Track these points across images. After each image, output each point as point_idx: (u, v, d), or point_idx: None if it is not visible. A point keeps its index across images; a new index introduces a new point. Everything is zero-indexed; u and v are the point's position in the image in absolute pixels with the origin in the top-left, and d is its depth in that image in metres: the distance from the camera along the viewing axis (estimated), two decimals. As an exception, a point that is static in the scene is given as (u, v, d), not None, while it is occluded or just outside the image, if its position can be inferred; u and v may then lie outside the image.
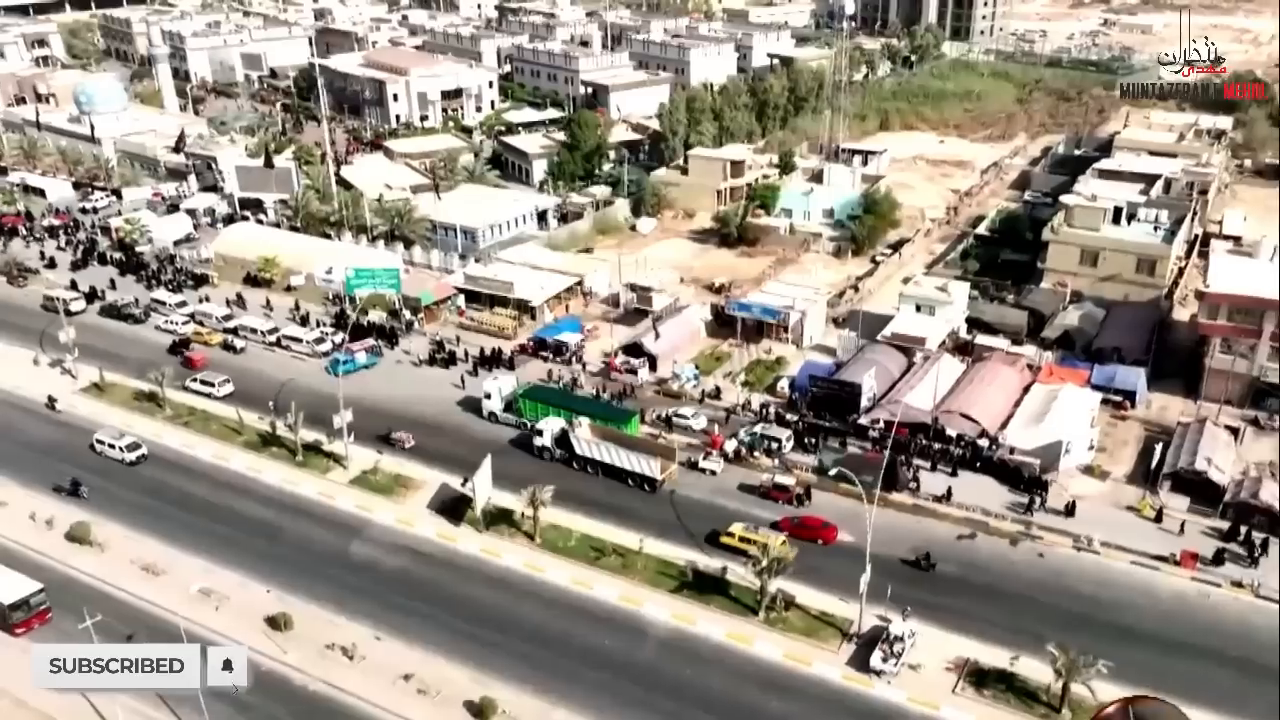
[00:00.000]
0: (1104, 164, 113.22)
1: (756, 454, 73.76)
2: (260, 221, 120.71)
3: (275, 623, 58.90)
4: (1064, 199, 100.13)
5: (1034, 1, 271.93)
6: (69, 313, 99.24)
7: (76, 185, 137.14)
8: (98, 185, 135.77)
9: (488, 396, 79.67)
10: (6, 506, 70.76)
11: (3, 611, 59.06)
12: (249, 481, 73.86)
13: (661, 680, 55.22)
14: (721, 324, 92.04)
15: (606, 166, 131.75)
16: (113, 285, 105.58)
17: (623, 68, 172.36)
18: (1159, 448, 69.40)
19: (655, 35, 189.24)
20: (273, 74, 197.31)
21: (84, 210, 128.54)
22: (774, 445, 73.82)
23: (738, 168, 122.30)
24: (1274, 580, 59.50)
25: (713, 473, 72.56)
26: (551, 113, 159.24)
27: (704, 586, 61.28)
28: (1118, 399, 78.27)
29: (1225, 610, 58.73)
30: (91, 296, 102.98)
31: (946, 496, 68.46)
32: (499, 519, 67.37)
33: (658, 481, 69.96)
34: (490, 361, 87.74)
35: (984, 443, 72.03)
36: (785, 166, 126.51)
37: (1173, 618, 57.96)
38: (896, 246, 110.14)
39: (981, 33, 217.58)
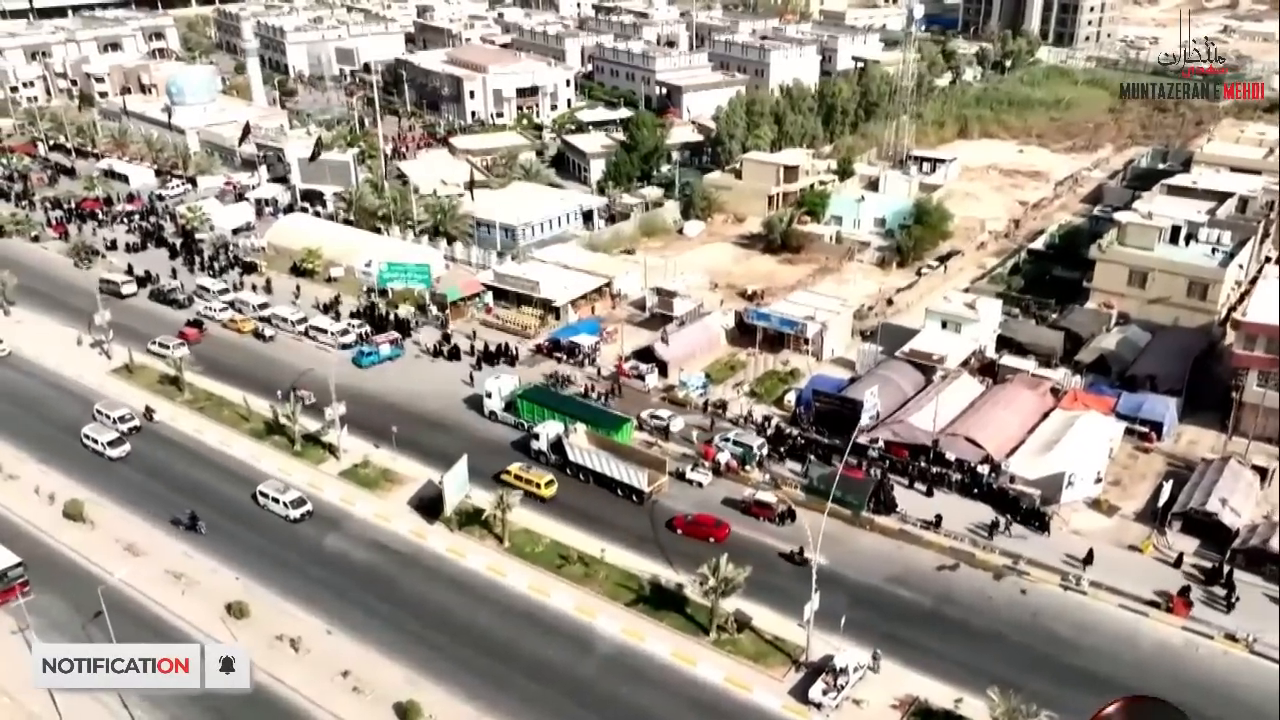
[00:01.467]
0: (1176, 179, 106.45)
1: (748, 467, 71.57)
2: (318, 213, 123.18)
3: (233, 610, 59.59)
4: (1118, 215, 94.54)
5: (1154, 7, 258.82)
6: (120, 295, 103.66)
7: (158, 172, 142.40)
8: (175, 173, 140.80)
9: (488, 395, 79.37)
10: (17, 480, 73.59)
11: (-22, 584, 61.33)
12: (246, 469, 75.00)
13: (596, 696, 53.88)
14: (744, 332, 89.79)
15: (665, 168, 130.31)
16: (174, 274, 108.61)
17: (700, 68, 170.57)
18: (1168, 484, 64.59)
19: (741, 36, 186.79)
20: (366, 69, 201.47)
21: (159, 197, 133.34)
22: (757, 455, 71.51)
23: (791, 173, 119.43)
24: (1273, 636, 54.66)
25: (699, 484, 70.72)
26: (624, 112, 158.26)
27: (662, 602, 59.64)
28: (1143, 430, 73.35)
29: (1212, 664, 54.34)
30: (144, 280, 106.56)
31: (936, 523, 65.12)
32: (473, 520, 66.82)
33: (645, 493, 68.45)
34: (494, 357, 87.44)
35: (984, 469, 68.24)
36: (844, 173, 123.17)
37: (1151, 668, 53.73)
38: (946, 258, 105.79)
39: (1086, 38, 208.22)
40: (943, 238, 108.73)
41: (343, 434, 75.48)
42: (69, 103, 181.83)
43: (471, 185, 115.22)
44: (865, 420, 73.13)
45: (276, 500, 68.18)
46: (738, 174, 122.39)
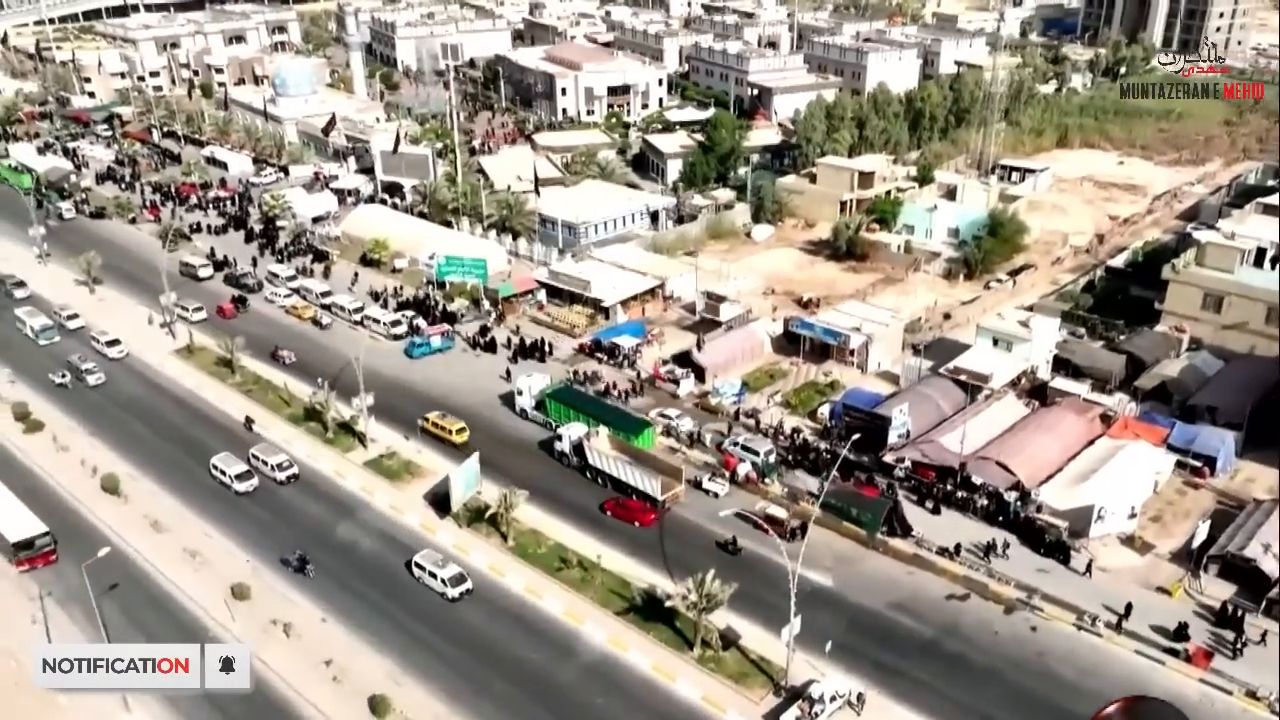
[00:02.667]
0: (1275, 198, 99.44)
1: (767, 480, 69.71)
2: (395, 205, 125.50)
3: (236, 592, 60.86)
4: (1198, 233, 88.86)
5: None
6: (197, 278, 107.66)
7: (255, 160, 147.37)
8: (270, 161, 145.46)
9: (519, 393, 79.41)
10: (67, 452, 76.79)
11: (9, 548, 64.15)
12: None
13: (569, 705, 53.21)
14: (791, 341, 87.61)
15: (742, 170, 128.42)
16: (254, 262, 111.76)
17: (795, 70, 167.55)
18: (1204, 524, 60.25)
19: (843, 38, 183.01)
20: (471, 64, 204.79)
21: (252, 184, 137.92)
22: (777, 468, 69.71)
23: (867, 179, 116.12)
24: (1295, 694, 50.43)
25: (715, 495, 69.22)
26: (713, 113, 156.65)
27: (652, 613, 58.43)
28: (1196, 464, 68.70)
29: (1226, 723, 50.39)
30: (221, 265, 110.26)
31: (955, 551, 62.18)
32: (481, 517, 66.72)
33: (659, 501, 67.31)
34: (529, 352, 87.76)
35: (1012, 496, 64.88)
36: (924, 180, 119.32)
37: (1156, 722, 50.13)
38: (1017, 273, 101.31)
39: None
40: (1016, 251, 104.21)
41: (369, 423, 76.47)
42: (188, 92, 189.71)
43: (537, 182, 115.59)
44: (893, 438, 70.50)
45: (434, 575, 60.53)
46: (812, 178, 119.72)
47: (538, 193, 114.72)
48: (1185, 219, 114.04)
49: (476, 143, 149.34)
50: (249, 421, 78.88)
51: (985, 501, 65.38)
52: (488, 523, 66.19)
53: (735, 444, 72.00)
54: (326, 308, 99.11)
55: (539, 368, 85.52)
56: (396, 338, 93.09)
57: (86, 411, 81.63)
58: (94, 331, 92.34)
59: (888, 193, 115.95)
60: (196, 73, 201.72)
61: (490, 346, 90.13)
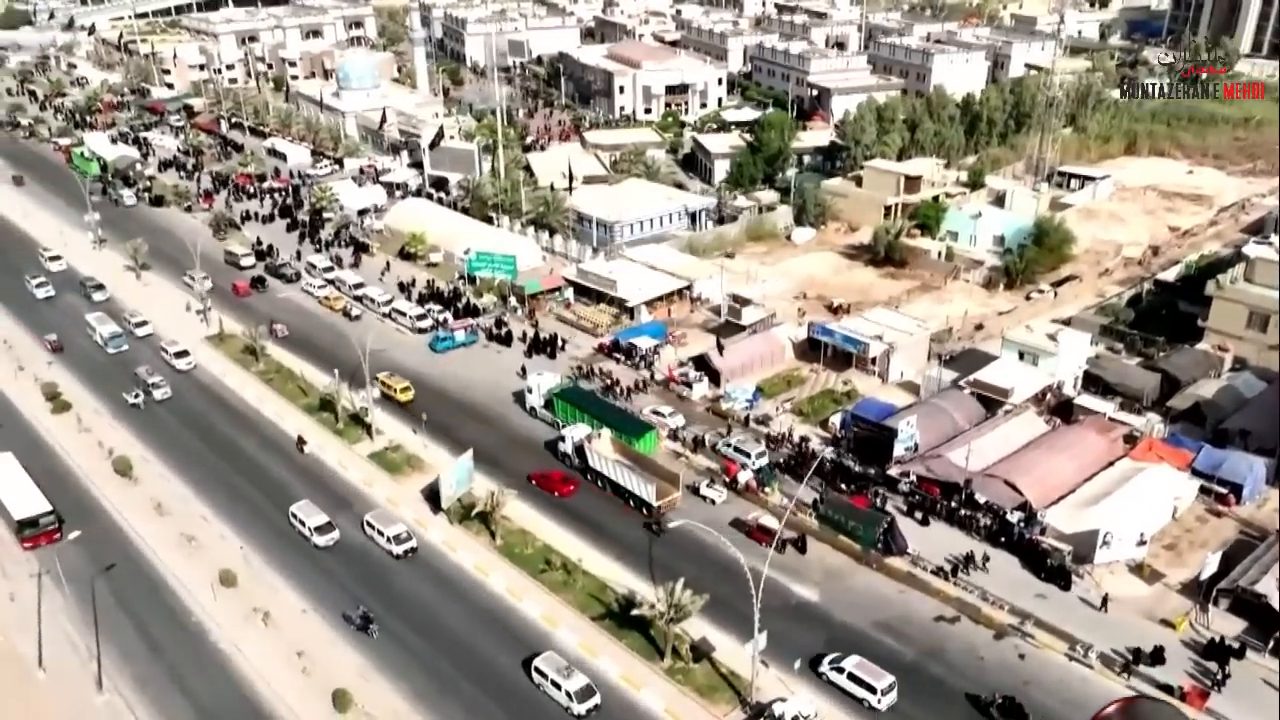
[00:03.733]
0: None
1: (767, 489, 67.95)
2: (440, 200, 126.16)
3: (223, 578, 61.33)
4: (1247, 248, 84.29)
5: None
6: (239, 267, 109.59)
7: (314, 153, 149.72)
8: (327, 154, 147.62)
9: (529, 391, 78.89)
10: (90, 433, 78.52)
11: (14, 526, 65.69)
12: (289, 442, 77.29)
13: (531, 710, 52.31)
14: (815, 347, 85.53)
15: (790, 171, 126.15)
16: (298, 254, 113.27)
17: (858, 71, 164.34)
18: (1214, 556, 56.83)
19: (910, 39, 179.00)
20: (538, 61, 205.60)
21: (308, 176, 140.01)
22: (774, 475, 68.03)
23: (913, 183, 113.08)
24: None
25: (712, 501, 67.72)
26: (763, 113, 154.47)
27: (628, 619, 57.07)
28: (1221, 491, 65.02)
29: (1213, 769, 47.34)
30: (264, 254, 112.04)
31: (953, 571, 59.74)
32: (473, 514, 66.25)
33: (654, 507, 66.06)
34: (542, 347, 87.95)
35: (1016, 516, 62.13)
36: (975, 185, 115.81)
37: (1139, 764, 47.41)
38: (1061, 283, 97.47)
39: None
40: (1062, 261, 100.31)
41: (376, 414, 76.74)
42: (255, 84, 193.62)
43: (571, 179, 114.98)
44: (899, 451, 68.17)
45: (557, 685, 51.87)
46: (858, 181, 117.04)
47: (570, 190, 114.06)
48: (1250, 232, 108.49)
49: (530, 139, 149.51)
50: (300, 442, 75.06)
51: (988, 521, 62.68)
52: (479, 520, 65.68)
53: (729, 445, 70.58)
54: (359, 299, 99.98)
55: (550, 365, 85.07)
56: (421, 331, 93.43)
57: (154, 432, 78.35)
58: (163, 341, 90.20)
59: (935, 198, 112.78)
60: (270, 66, 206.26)
61: (506, 339, 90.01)
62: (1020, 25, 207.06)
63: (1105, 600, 56.90)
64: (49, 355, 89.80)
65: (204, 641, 57.45)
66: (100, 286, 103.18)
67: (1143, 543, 59.50)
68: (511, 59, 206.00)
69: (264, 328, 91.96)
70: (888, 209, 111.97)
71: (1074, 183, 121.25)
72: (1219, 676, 51.03)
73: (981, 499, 63.54)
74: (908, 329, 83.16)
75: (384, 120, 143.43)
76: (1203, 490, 65.46)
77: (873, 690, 50.35)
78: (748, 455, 69.53)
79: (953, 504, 64.47)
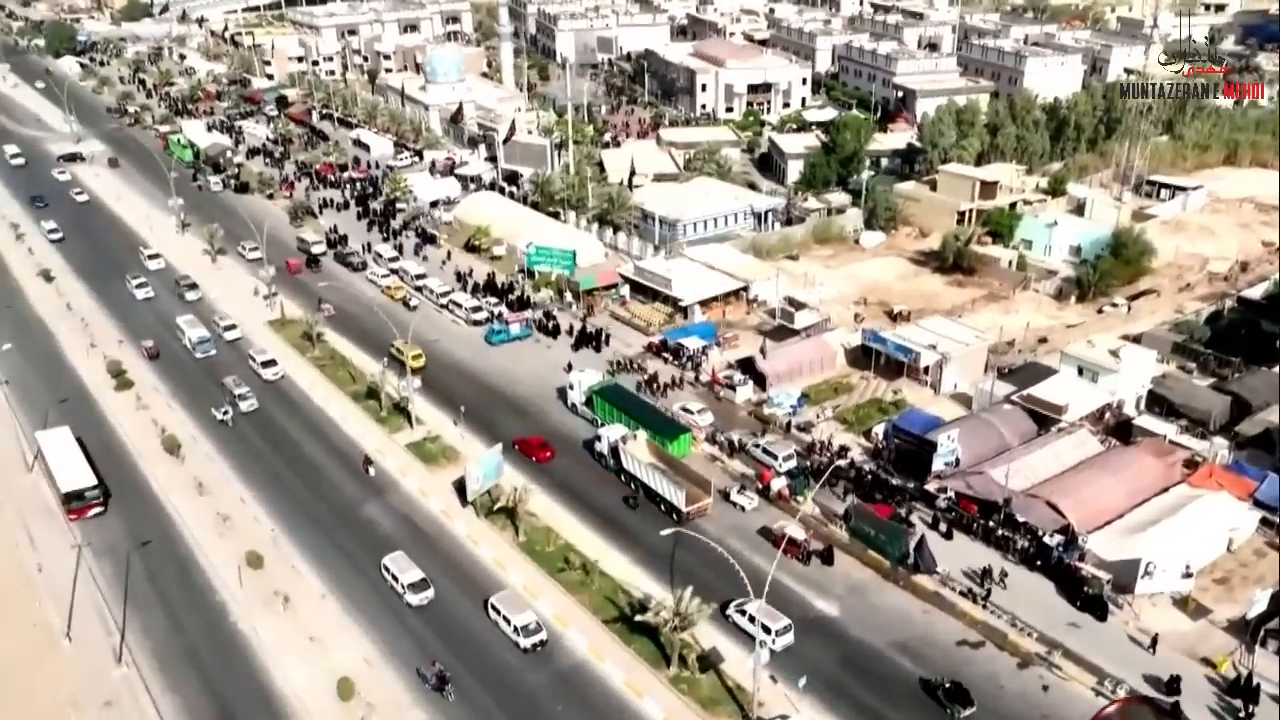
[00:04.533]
0: None
1: (800, 498, 66.17)
2: (511, 194, 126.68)
3: (250, 559, 62.23)
4: (1337, 266, 79.10)
5: None
6: (310, 254, 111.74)
7: (396, 144, 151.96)
8: (408, 145, 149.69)
9: (570, 387, 78.43)
10: (146, 410, 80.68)
11: (61, 497, 67.79)
12: (332, 428, 78.33)
13: (528, 709, 51.82)
14: (867, 355, 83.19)
15: (866, 174, 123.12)
16: (368, 246, 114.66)
17: (946, 73, 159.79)
18: (1264, 594, 53.20)
19: (1005, 41, 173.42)
20: (627, 58, 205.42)
21: (389, 167, 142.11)
22: (808, 483, 66.24)
23: (989, 189, 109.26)
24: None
25: (742, 508, 66.23)
26: (854, 115, 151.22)
27: (639, 624, 55.96)
28: (1285, 524, 61.07)
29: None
30: (336, 242, 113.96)
31: (986, 596, 57.17)
32: (499, 508, 65.99)
33: (683, 513, 64.84)
34: (586, 341, 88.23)
35: (1056, 540, 59.21)
36: (1055, 192, 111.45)
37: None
38: (1137, 297, 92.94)
39: None
40: (1140, 274, 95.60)
41: (416, 405, 77.23)
42: (342, 76, 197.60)
43: (632, 176, 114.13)
44: (939, 465, 65.66)
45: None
46: (933, 186, 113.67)
47: (632, 187, 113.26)
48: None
49: (608, 136, 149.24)
50: (367, 462, 71.97)
51: (1025, 543, 59.91)
52: (504, 515, 65.39)
53: (758, 446, 69.77)
54: (419, 290, 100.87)
55: (595, 359, 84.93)
56: (476, 323, 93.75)
57: (236, 447, 75.66)
58: (252, 350, 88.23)
59: (1012, 205, 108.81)
60: (366, 59, 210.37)
61: (554, 332, 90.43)
62: (1125, 28, 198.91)
63: (1155, 641, 53.44)
64: (146, 361, 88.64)
65: (224, 621, 58.35)
66: (193, 285, 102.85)
67: (1189, 575, 56.11)
68: (600, 55, 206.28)
69: (319, 315, 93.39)
70: (961, 215, 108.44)
71: (1164, 193, 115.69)
72: (1247, 714, 47.69)
73: (1020, 519, 60.69)
74: (964, 339, 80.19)
75: (460, 114, 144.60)
76: (1264, 522, 61.46)
77: (768, 631, 52.92)
78: (775, 457, 68.11)
79: (990, 523, 61.77)
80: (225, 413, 78.25)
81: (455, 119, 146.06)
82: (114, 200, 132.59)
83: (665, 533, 56.44)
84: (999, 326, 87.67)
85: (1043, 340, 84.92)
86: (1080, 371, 74.22)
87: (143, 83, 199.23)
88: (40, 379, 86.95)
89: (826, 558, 60.90)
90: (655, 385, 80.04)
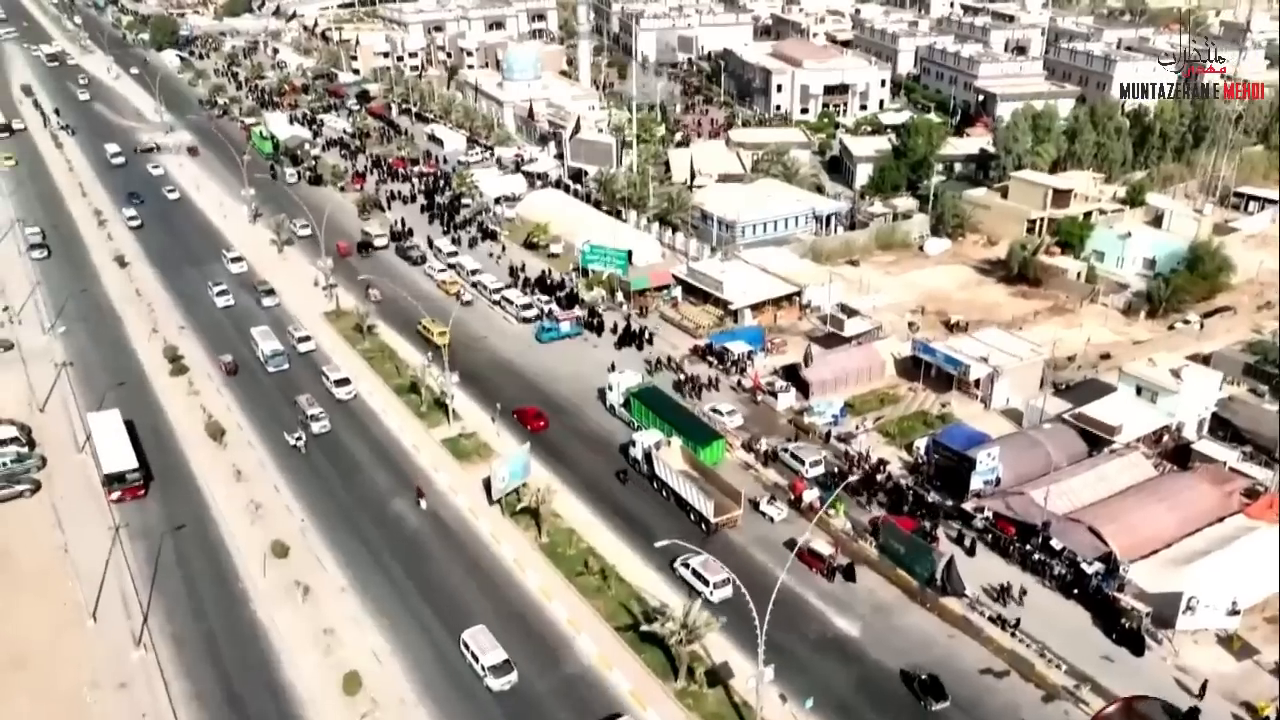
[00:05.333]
0: None
1: (832, 511, 64.25)
2: (576, 192, 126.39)
3: (276, 548, 62.74)
4: None
5: None
6: (373, 246, 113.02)
7: (469, 140, 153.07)
8: (480, 141, 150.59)
9: (609, 388, 77.59)
10: (196, 395, 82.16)
11: (103, 479, 69.28)
12: (372, 420, 78.75)
13: (531, 715, 50.98)
14: (917, 365, 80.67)
15: (936, 179, 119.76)
16: (430, 240, 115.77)
17: (1031, 77, 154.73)
18: (1312, 636, 49.78)
19: (1096, 45, 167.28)
20: (707, 58, 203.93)
21: (461, 162, 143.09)
22: (839, 494, 64.26)
23: (1062, 197, 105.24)
24: None
25: (771, 519, 64.57)
26: (931, 118, 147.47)
27: (651, 634, 54.66)
28: (1348, 562, 56.98)
29: None
30: (399, 235, 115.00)
31: (1016, 625, 54.63)
32: (520, 509, 65.48)
33: (712, 524, 63.44)
34: (630, 338, 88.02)
35: (1095, 567, 56.32)
36: (1134, 202, 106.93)
37: None
38: (1212, 314, 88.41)
39: None
40: (1217, 290, 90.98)
41: (457, 401, 77.23)
42: (419, 72, 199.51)
43: (692, 177, 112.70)
44: (977, 484, 63.13)
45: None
46: (1004, 193, 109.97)
47: (690, 187, 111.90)
48: None
49: (679, 135, 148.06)
50: (419, 494, 67.48)
51: (1062, 570, 57.14)
52: (530, 515, 64.81)
53: (786, 450, 68.85)
54: (474, 285, 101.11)
55: (636, 358, 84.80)
56: (526, 320, 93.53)
57: (300, 473, 71.97)
58: (325, 367, 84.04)
59: (1087, 214, 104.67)
60: (450, 55, 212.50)
61: (599, 328, 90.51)
62: (1227, 32, 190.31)
63: (1204, 688, 50.29)
64: (222, 377, 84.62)
65: (244, 609, 58.81)
66: (271, 291, 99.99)
67: (1235, 612, 52.83)
68: (680, 55, 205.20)
69: (369, 300, 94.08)
70: (1032, 224, 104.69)
71: (1252, 205, 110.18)
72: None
73: (1058, 544, 57.91)
74: (1019, 353, 77.11)
75: (531, 111, 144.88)
76: (1325, 559, 57.57)
77: (706, 584, 57.15)
78: (802, 462, 66.96)
79: (1027, 546, 59.11)
80: (298, 438, 74.19)
81: (528, 115, 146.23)
82: (193, 189, 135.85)
83: (659, 545, 54.97)
84: (1060, 340, 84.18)
85: (1105, 356, 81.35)
86: (1139, 391, 70.81)
87: (234, 75, 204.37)
88: (102, 361, 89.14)
89: (849, 574, 58.96)
90: (692, 386, 78.77)
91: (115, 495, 68.48)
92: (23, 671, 54.62)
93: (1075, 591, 56.30)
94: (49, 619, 58.18)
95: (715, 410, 74.74)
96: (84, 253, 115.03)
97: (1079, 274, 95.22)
